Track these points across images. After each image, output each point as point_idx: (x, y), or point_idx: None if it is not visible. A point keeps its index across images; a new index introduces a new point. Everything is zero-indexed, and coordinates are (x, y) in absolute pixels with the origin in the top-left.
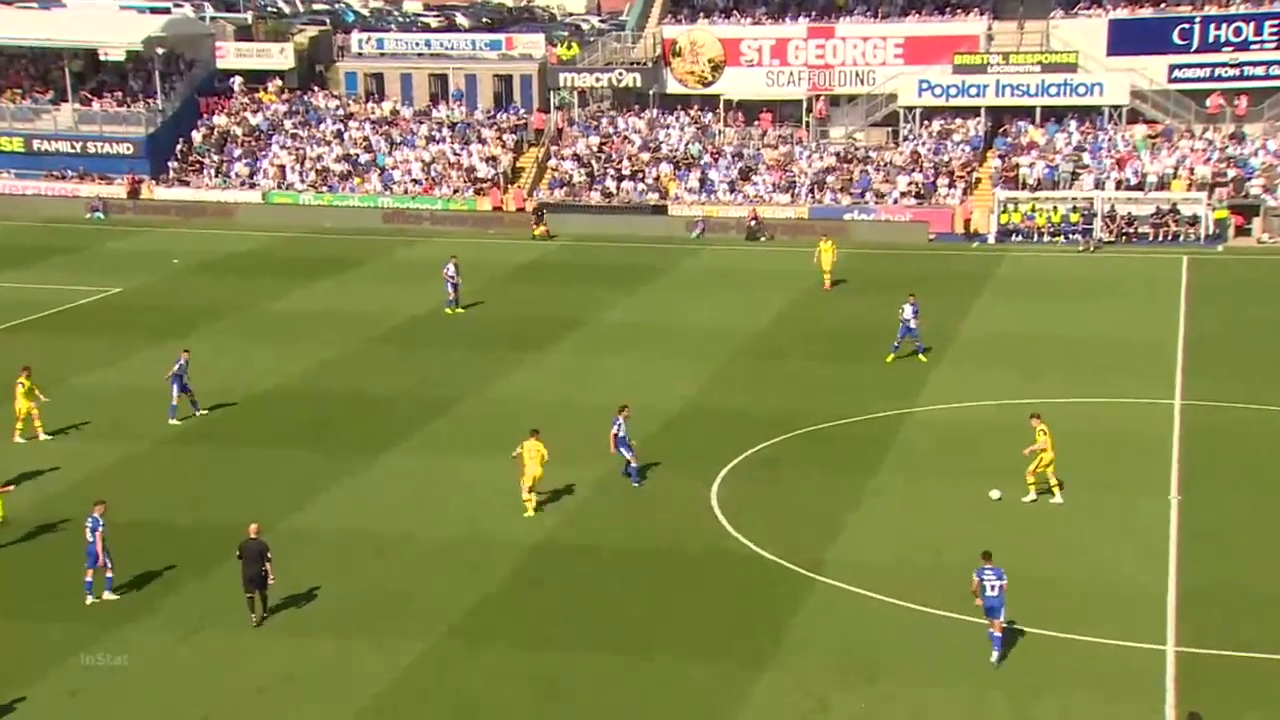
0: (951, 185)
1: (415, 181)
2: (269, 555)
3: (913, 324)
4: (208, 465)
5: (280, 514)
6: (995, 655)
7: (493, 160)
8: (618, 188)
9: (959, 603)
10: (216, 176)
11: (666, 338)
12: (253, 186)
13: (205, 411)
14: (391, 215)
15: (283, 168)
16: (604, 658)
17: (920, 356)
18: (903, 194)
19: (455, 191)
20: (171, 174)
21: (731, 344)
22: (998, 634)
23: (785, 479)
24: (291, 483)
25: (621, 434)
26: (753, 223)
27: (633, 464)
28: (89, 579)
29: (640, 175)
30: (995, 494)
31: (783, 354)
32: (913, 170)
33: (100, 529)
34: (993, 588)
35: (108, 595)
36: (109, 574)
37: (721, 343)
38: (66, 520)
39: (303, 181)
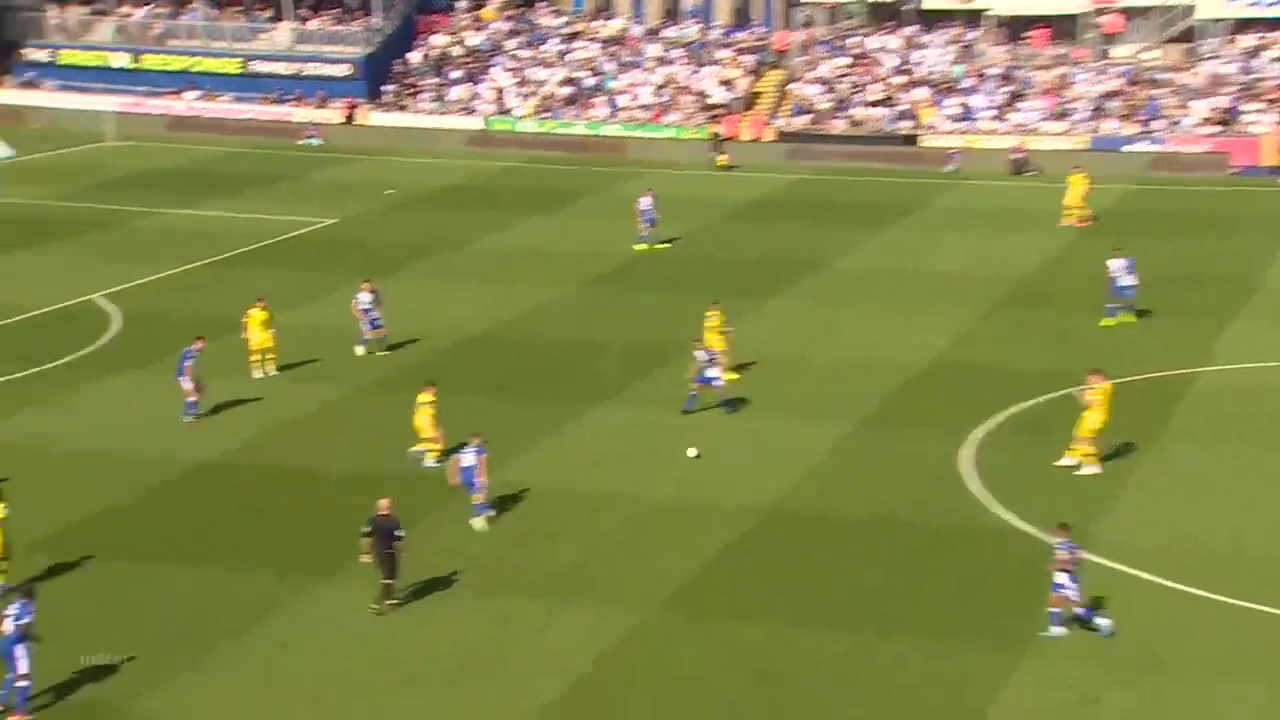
0: (1261, 111)
1: (643, 107)
2: (399, 534)
3: (1123, 281)
4: (399, 412)
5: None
6: None
7: (728, 84)
8: (865, 115)
9: (1264, 592)
10: (434, 101)
11: (914, 284)
12: (471, 112)
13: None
14: (617, 144)
15: (502, 91)
16: (833, 636)
17: (1131, 316)
18: (1201, 121)
19: (687, 118)
20: (387, 98)
21: (989, 292)
22: None
23: (1050, 445)
24: (497, 434)
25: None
26: (1018, 155)
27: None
28: None
29: (891, 101)
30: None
31: (1049, 304)
32: (1212, 94)
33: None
34: None
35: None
36: None
37: (978, 290)
38: (274, 465)
39: (523, 106)
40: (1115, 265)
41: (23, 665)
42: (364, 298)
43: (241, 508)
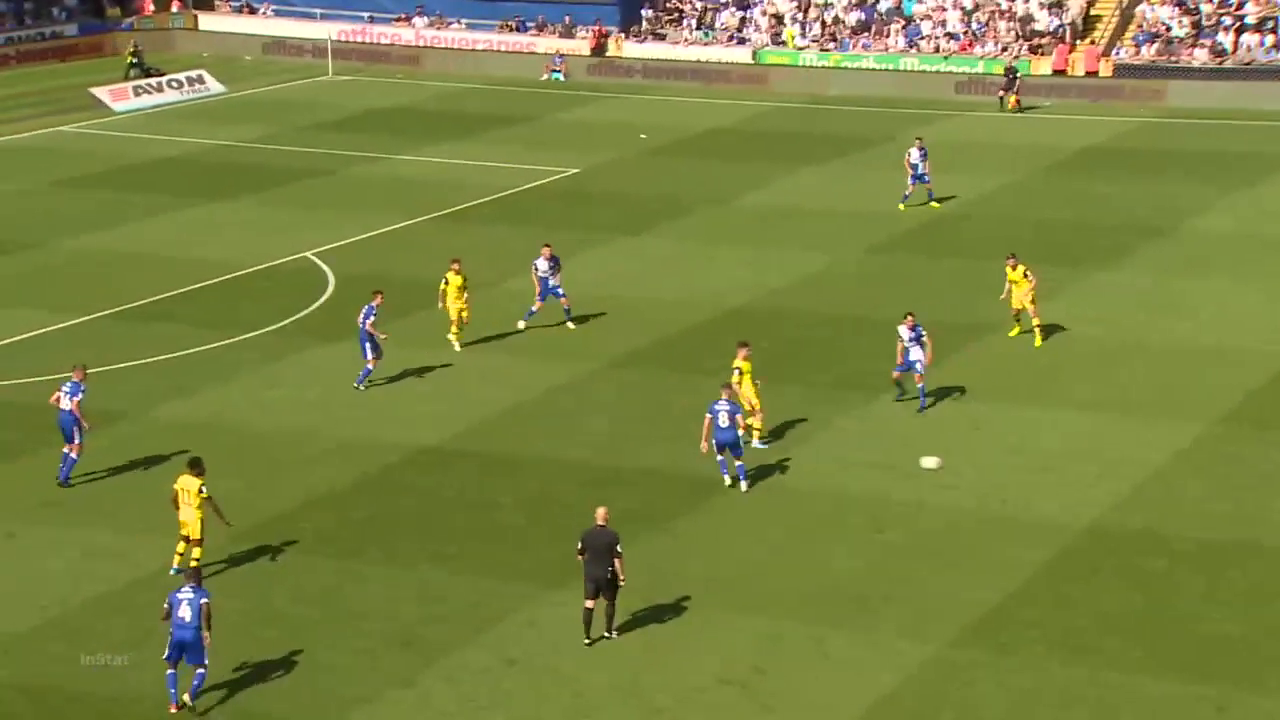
0: None
1: (950, 36)
2: (619, 550)
3: (921, 169)
4: (648, 396)
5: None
6: None
7: (1057, 7)
8: (1234, 43)
9: None
10: (698, 29)
11: None
12: (742, 42)
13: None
14: (918, 80)
15: (780, 18)
16: (1171, 686)
17: (934, 204)
18: None
19: (1004, 50)
20: (644, 26)
21: None
22: None
23: None
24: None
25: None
26: None
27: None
28: None
29: (1271, 26)
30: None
31: None
32: None
33: None
34: None
35: None
36: None
37: None
38: (504, 453)
39: (804, 35)
40: (914, 153)
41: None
42: (541, 264)
43: (465, 501)
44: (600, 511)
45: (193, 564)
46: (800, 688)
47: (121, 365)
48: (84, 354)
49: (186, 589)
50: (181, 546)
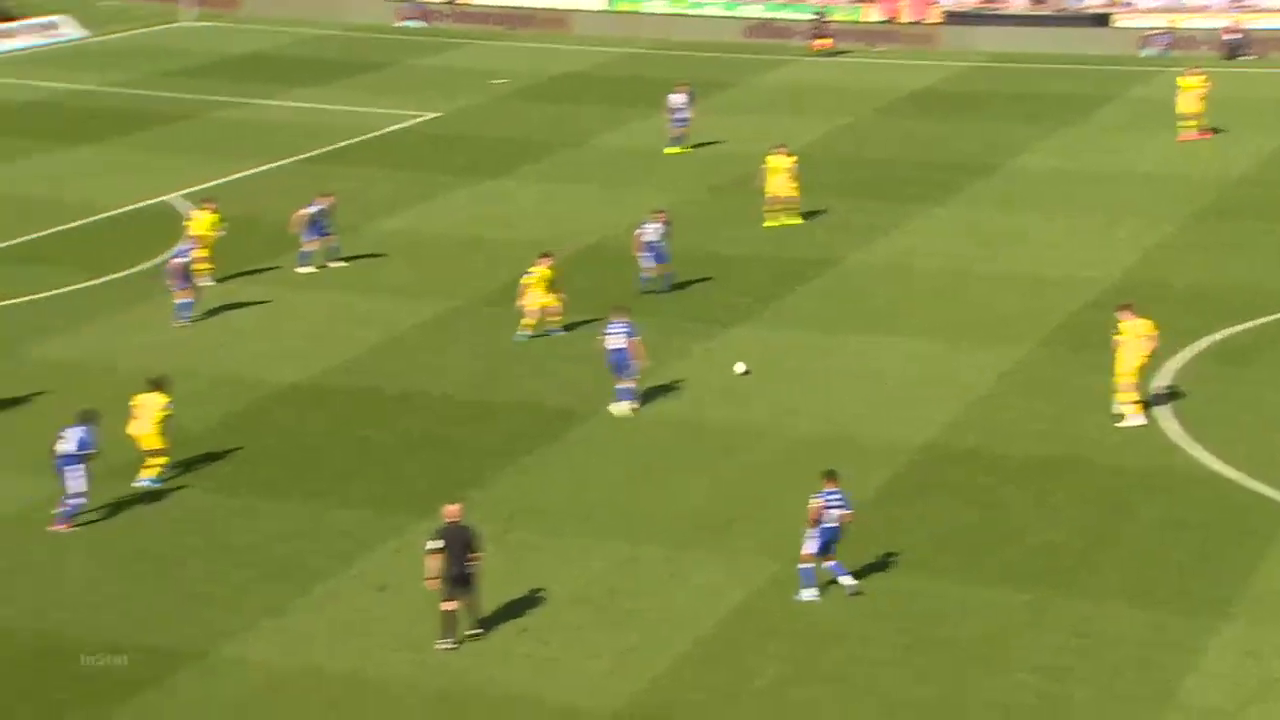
0: None
1: None
2: (475, 546)
3: (685, 114)
4: (510, 333)
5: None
6: None
7: None
8: None
9: None
10: None
11: (1101, 189)
12: None
13: (342, 263)
14: (756, 28)
15: None
16: (1002, 594)
17: (678, 149)
18: None
19: None
20: None
21: (1192, 199)
22: None
23: (1259, 378)
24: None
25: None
26: (1233, 36)
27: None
28: None
29: None
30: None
31: (1264, 215)
32: None
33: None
34: None
35: None
36: None
37: (1177, 198)
38: (372, 388)
39: None
40: (675, 99)
41: (77, 484)
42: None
43: (337, 436)
44: (452, 508)
45: (156, 471)
46: (653, 605)
47: None
48: None
49: (76, 428)
50: (148, 460)
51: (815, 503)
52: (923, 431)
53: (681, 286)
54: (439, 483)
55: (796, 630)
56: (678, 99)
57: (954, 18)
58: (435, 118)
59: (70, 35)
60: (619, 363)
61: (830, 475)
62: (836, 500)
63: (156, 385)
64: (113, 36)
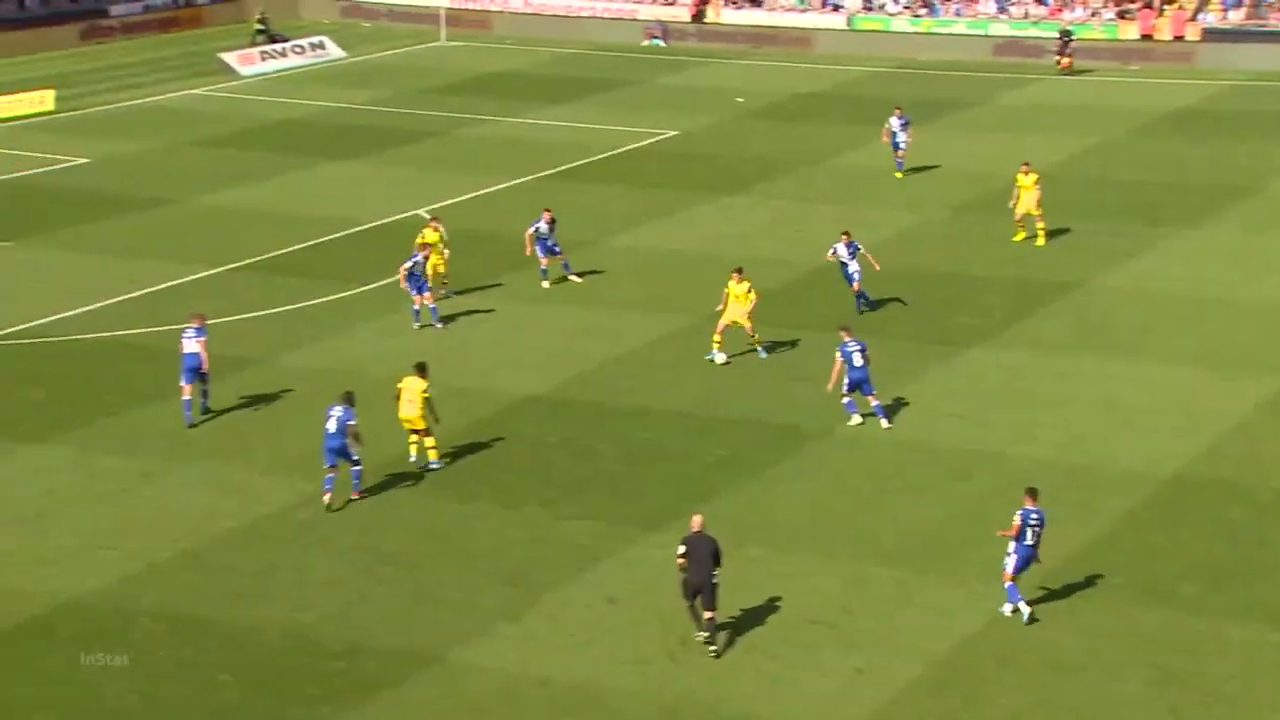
0: None
1: (1039, 1)
2: (720, 557)
3: (901, 138)
4: (743, 349)
5: (838, 416)
6: None
7: None
8: None
9: None
10: None
11: None
12: (836, 9)
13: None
14: (1005, 46)
15: None
16: (1250, 630)
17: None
18: None
19: (1092, 14)
20: None
21: None
22: None
23: None
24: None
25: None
26: None
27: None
28: None
29: None
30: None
31: None
32: None
33: None
34: None
35: None
36: None
37: None
38: (604, 403)
39: (896, 2)
40: (894, 122)
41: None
42: (542, 226)
43: (570, 448)
44: (697, 519)
45: (430, 454)
46: (884, 626)
47: (249, 315)
48: (213, 305)
49: (337, 407)
50: (414, 438)
51: (1015, 520)
52: (1169, 461)
53: (919, 306)
54: (669, 497)
55: (1035, 660)
56: (896, 122)
57: (1213, 35)
58: (675, 135)
59: (333, 55)
60: (862, 379)
61: (1031, 493)
62: (1035, 519)
63: (420, 370)
64: (371, 56)
